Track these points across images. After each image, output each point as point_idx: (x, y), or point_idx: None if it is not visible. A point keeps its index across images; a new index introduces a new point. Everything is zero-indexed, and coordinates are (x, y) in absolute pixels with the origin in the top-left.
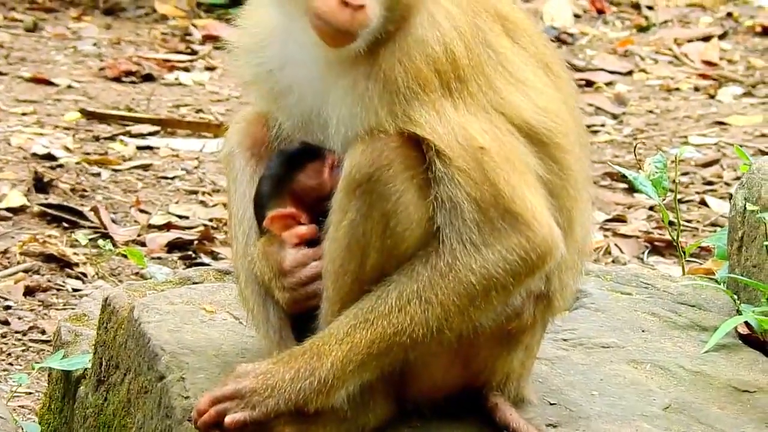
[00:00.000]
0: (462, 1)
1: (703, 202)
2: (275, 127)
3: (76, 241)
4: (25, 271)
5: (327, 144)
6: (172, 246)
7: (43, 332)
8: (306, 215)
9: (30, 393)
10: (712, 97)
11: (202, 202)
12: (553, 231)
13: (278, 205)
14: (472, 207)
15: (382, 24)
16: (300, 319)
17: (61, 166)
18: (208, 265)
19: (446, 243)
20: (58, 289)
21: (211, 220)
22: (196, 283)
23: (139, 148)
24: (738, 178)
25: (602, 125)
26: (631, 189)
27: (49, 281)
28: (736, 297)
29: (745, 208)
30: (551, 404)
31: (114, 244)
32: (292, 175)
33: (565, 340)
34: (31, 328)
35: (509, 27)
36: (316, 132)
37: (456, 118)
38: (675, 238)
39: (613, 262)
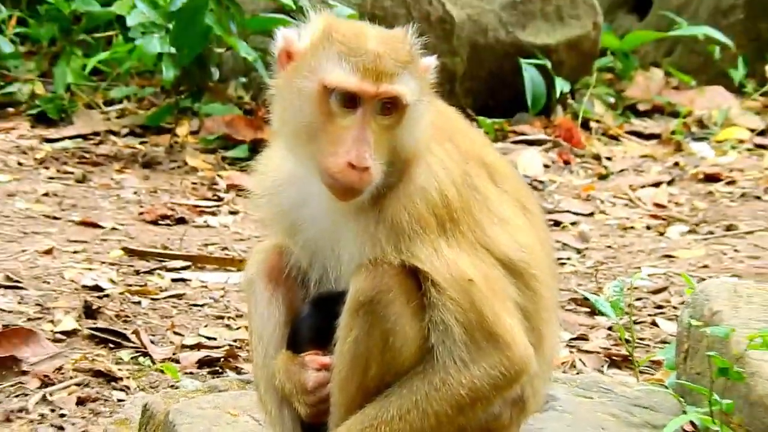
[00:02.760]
0: (453, 152)
1: (654, 323)
2: (291, 258)
3: (120, 359)
4: (77, 384)
5: (336, 272)
6: (202, 362)
7: None
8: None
9: None
10: (661, 234)
11: (227, 326)
12: (528, 350)
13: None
14: (461, 330)
15: (386, 176)
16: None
17: (107, 295)
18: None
19: (439, 360)
20: (105, 400)
21: (235, 340)
22: (222, 391)
23: (174, 280)
24: (683, 302)
25: (568, 258)
26: (593, 312)
27: (97, 393)
28: (682, 400)
29: (690, 324)
30: None
31: (152, 361)
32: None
33: None
34: None
35: (493, 173)
36: (328, 263)
37: (449, 254)
38: (630, 352)
39: (577, 373)
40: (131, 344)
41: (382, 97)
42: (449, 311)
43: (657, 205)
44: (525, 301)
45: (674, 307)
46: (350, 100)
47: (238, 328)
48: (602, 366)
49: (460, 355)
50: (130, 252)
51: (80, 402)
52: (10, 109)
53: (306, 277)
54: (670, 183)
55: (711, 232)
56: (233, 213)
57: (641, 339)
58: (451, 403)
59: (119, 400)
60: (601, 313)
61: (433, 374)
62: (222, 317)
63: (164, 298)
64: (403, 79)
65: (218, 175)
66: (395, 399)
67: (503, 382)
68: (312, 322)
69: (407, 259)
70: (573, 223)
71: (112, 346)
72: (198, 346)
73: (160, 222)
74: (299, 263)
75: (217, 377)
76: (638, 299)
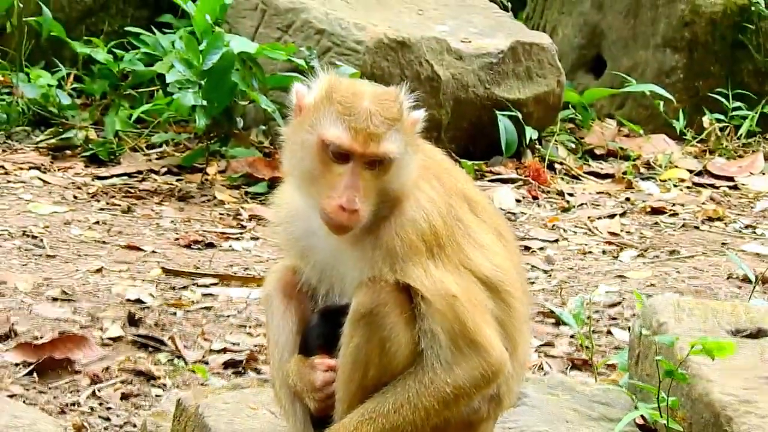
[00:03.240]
0: (439, 188)
1: (609, 332)
2: (302, 276)
3: (159, 361)
4: (122, 382)
5: (341, 288)
6: (227, 364)
7: (134, 426)
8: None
9: None
10: (615, 258)
11: (249, 333)
12: (503, 355)
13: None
14: (446, 337)
15: (379, 210)
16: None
17: (147, 307)
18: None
19: (428, 363)
20: (145, 395)
21: (255, 346)
22: (244, 388)
23: (204, 295)
24: (634, 314)
25: (537, 278)
26: (558, 323)
27: (138, 389)
28: (634, 397)
29: (641, 333)
30: None
31: (185, 363)
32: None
33: (510, 428)
34: (125, 423)
35: (473, 206)
36: (334, 281)
37: (437, 273)
38: (590, 357)
39: (545, 374)
40: (167, 348)
41: (368, 157)
42: (436, 322)
43: (611, 233)
44: (501, 313)
45: (626, 319)
46: (343, 155)
47: (257, 336)
48: (566, 368)
49: (445, 359)
50: (167, 271)
51: (124, 397)
52: (68, 152)
53: (315, 292)
54: (622, 215)
55: (657, 257)
56: (254, 239)
57: (599, 346)
58: (438, 398)
59: (157, 396)
60: (565, 324)
61: (423, 374)
62: (244, 326)
63: (196, 309)
64: (391, 137)
65: (242, 208)
66: (390, 395)
67: (482, 381)
68: (320, 330)
69: (401, 278)
70: (540, 248)
71: (151, 350)
72: (224, 351)
73: (192, 246)
74: (309, 281)
75: (240, 377)
76: (596, 312)
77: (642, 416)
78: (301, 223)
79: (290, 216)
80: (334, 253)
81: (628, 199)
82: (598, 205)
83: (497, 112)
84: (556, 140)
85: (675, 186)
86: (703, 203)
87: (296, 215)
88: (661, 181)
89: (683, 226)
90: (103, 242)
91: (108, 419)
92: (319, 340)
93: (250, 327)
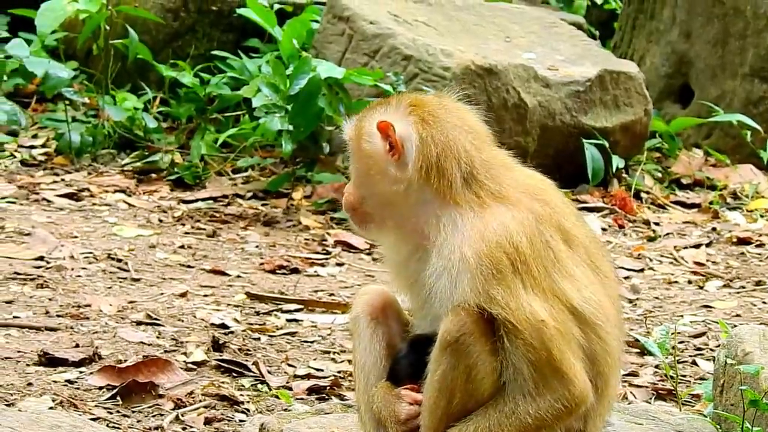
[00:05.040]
0: (531, 215)
1: (694, 362)
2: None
3: (242, 386)
4: (205, 407)
5: (430, 313)
6: (311, 390)
7: None
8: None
9: None
10: (701, 288)
11: (332, 359)
12: (586, 385)
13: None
14: (530, 368)
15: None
16: None
17: (232, 332)
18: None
19: (510, 392)
20: (228, 420)
21: (339, 372)
22: (327, 413)
23: (288, 320)
24: (719, 345)
25: (622, 307)
26: (643, 352)
27: (222, 414)
28: (718, 426)
29: (726, 362)
30: None
31: (269, 388)
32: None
33: None
34: None
35: (568, 238)
36: (422, 302)
37: (525, 295)
38: (674, 386)
39: (629, 404)
40: (251, 374)
41: None
42: (521, 351)
43: (697, 263)
44: (592, 346)
45: (711, 349)
46: None
47: (341, 362)
48: (650, 398)
49: (528, 389)
50: (251, 296)
51: (207, 422)
52: (153, 175)
53: (403, 317)
54: (708, 245)
55: (743, 287)
56: (339, 265)
57: (683, 375)
58: (519, 429)
59: (240, 421)
60: (650, 353)
61: (505, 404)
62: (328, 352)
63: (280, 335)
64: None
65: (327, 233)
66: (473, 424)
67: (564, 413)
68: (409, 359)
69: (485, 304)
70: (626, 278)
71: (235, 375)
72: (308, 376)
73: (277, 271)
74: (398, 305)
75: (324, 402)
76: (681, 342)
77: None
78: (390, 250)
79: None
80: (423, 278)
81: (714, 229)
82: (684, 235)
83: (584, 140)
84: (642, 169)
85: (761, 216)
86: None
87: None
88: (747, 211)
89: None
90: (188, 266)
91: None
92: (408, 369)
93: (334, 353)
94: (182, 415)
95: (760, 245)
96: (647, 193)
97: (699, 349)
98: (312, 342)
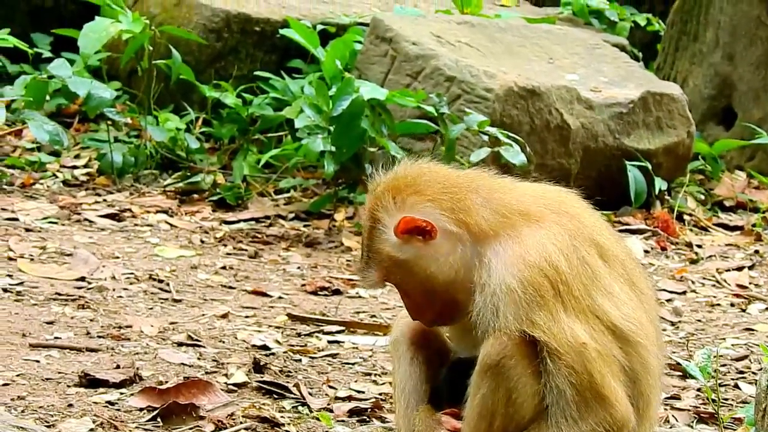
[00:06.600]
0: (562, 230)
1: (736, 386)
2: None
3: (283, 408)
4: (246, 428)
5: (471, 337)
6: (352, 412)
7: None
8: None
9: None
10: (743, 310)
11: (374, 381)
12: (629, 409)
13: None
14: (573, 391)
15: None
16: None
17: (273, 354)
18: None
19: (552, 416)
20: None
21: (380, 394)
22: None
23: (329, 342)
24: (761, 368)
25: (664, 329)
26: (685, 375)
27: None
28: None
29: None
30: None
31: (310, 410)
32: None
33: None
34: None
35: (603, 252)
36: (463, 329)
37: (566, 319)
38: (716, 410)
39: (671, 427)
40: (292, 395)
41: None
42: (563, 375)
43: (740, 286)
44: (633, 365)
45: (754, 373)
46: None
47: (383, 384)
48: (692, 422)
49: (570, 414)
50: (293, 317)
51: None
52: (195, 196)
53: (443, 339)
54: (751, 267)
55: None
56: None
57: (725, 399)
58: None
59: None
60: (692, 377)
61: (547, 428)
62: (370, 374)
63: (321, 357)
64: None
65: None
66: None
67: None
68: (449, 383)
69: (527, 328)
70: (668, 300)
71: (276, 396)
72: (349, 398)
73: (319, 293)
74: (438, 328)
75: (365, 424)
76: (723, 365)
77: None
78: None
79: None
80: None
81: (757, 251)
82: (726, 257)
83: (626, 162)
84: (685, 191)
85: None
86: None
87: None
88: None
89: None
90: (230, 287)
91: None
92: (448, 393)
93: (375, 375)
94: None
95: None
96: (690, 215)
97: (741, 372)
98: (353, 364)
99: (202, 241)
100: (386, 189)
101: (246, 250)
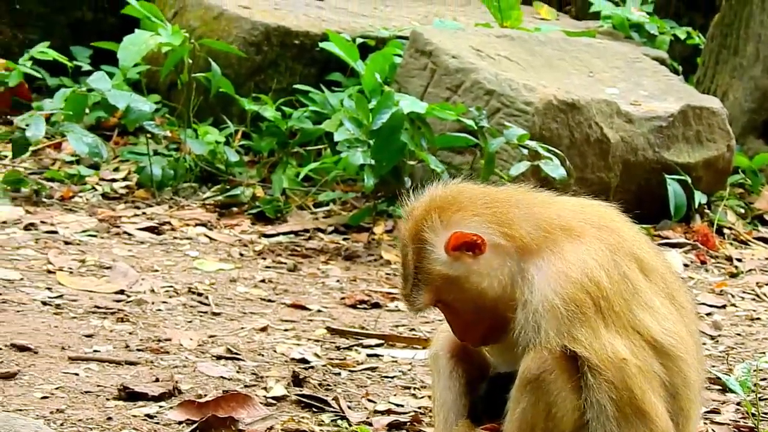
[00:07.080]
0: (602, 245)
1: None
2: None
3: (322, 421)
4: None
5: (511, 352)
6: (391, 425)
7: None
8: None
9: None
10: None
11: (413, 395)
12: (669, 424)
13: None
14: (613, 407)
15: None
16: None
17: (312, 367)
18: None
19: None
20: None
21: (419, 408)
22: None
23: (369, 355)
24: None
25: (704, 343)
26: (724, 389)
27: None
28: None
29: None
30: None
31: (349, 424)
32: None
33: None
34: None
35: (643, 266)
36: (504, 344)
37: (606, 335)
38: (756, 424)
39: None
40: (331, 409)
41: None
42: (603, 391)
43: None
44: (672, 380)
45: None
46: None
47: (422, 397)
48: None
49: (611, 429)
50: (332, 331)
51: None
52: (234, 209)
53: (482, 353)
54: None
55: None
56: None
57: (765, 413)
58: None
59: None
60: (731, 391)
61: None
62: (409, 387)
63: (360, 370)
64: None
65: None
66: None
67: None
68: (488, 397)
69: (568, 344)
70: (708, 314)
71: (315, 410)
72: (388, 412)
73: (358, 306)
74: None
75: None
76: (763, 379)
77: None
78: None
79: None
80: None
81: None
82: (766, 271)
83: (666, 175)
84: (725, 205)
85: None
86: None
87: None
88: None
89: None
90: (269, 300)
91: None
92: (488, 407)
93: (414, 388)
94: None
95: None
96: (730, 229)
97: None
98: (392, 377)
99: (241, 255)
100: (428, 209)
101: (285, 263)
